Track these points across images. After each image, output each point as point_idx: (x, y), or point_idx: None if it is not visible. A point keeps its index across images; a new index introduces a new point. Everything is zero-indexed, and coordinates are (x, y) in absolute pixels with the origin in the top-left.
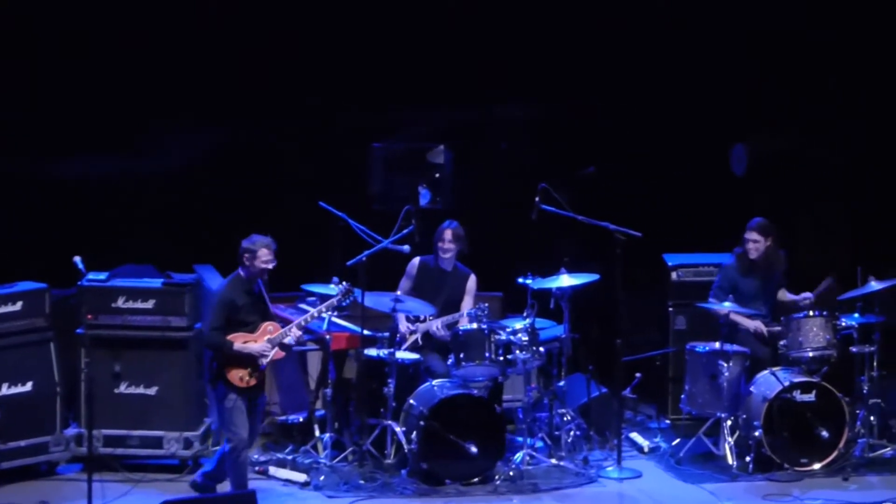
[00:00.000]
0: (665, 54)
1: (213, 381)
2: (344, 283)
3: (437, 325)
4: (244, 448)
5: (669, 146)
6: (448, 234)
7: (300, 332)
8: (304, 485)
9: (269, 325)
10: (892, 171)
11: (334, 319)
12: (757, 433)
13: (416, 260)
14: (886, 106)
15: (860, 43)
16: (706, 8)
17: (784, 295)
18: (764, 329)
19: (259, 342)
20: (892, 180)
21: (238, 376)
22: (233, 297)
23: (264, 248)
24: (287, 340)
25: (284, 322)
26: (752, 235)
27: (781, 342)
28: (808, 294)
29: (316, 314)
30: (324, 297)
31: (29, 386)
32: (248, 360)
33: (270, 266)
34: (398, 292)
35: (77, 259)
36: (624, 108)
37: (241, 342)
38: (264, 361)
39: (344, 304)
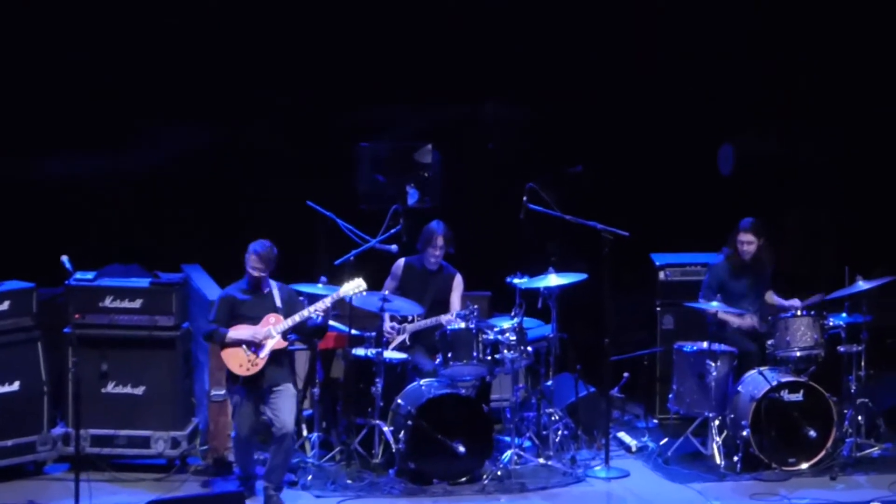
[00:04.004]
0: (653, 54)
1: (226, 376)
2: (357, 278)
3: (406, 337)
4: (241, 440)
5: (657, 146)
6: (440, 240)
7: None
8: (292, 484)
9: (271, 317)
10: (879, 170)
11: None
12: (745, 433)
13: (402, 261)
14: (873, 105)
15: (847, 45)
16: (695, 7)
17: (771, 298)
18: (756, 322)
19: (257, 328)
20: (880, 179)
21: (237, 364)
22: (233, 293)
23: (253, 255)
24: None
25: None
26: (746, 237)
27: (769, 342)
28: (796, 301)
29: (322, 306)
30: (312, 298)
31: (16, 385)
32: (247, 346)
33: (256, 273)
34: (385, 293)
35: (64, 258)
36: (612, 107)
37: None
38: (261, 348)
39: (351, 294)
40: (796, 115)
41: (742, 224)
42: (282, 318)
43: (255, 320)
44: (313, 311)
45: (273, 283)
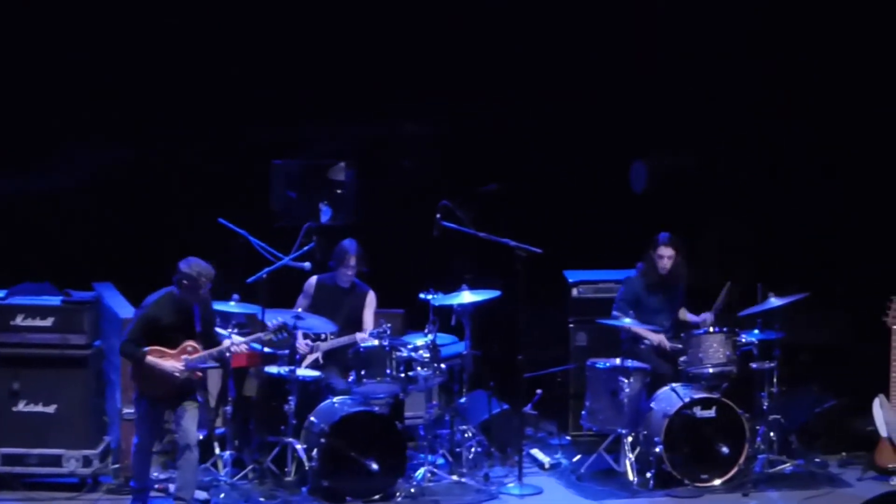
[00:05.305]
0: (565, 72)
1: (132, 384)
2: (279, 318)
3: (319, 355)
4: (143, 451)
5: (570, 163)
6: (353, 259)
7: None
8: (204, 503)
9: (188, 346)
10: (791, 187)
11: (235, 337)
12: (657, 449)
13: (314, 279)
14: (786, 122)
15: (758, 62)
16: (605, 26)
17: (684, 315)
18: (667, 343)
19: (175, 361)
20: (792, 196)
21: (150, 387)
22: (157, 315)
23: (205, 279)
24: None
25: None
26: (665, 251)
27: (682, 358)
28: (707, 315)
29: (245, 347)
30: (224, 315)
31: None
32: (161, 374)
33: (204, 293)
34: (298, 310)
35: None
36: (525, 125)
37: (157, 356)
38: (177, 380)
39: (275, 339)
40: (708, 130)
41: (660, 238)
42: (199, 348)
43: (173, 342)
44: (230, 348)
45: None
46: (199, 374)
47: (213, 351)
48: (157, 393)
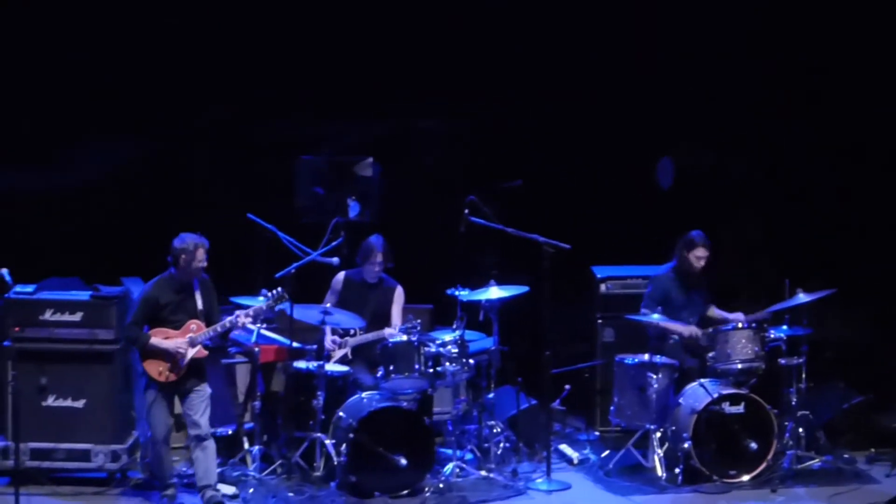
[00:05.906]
0: (591, 67)
1: (143, 374)
2: (279, 288)
3: (347, 351)
4: (158, 442)
5: (597, 159)
6: (379, 255)
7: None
8: (233, 497)
9: (192, 324)
10: (818, 182)
11: (263, 332)
12: (686, 445)
13: (341, 275)
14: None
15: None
16: (628, 22)
17: (713, 311)
18: (699, 331)
19: (179, 339)
20: (820, 192)
21: (157, 370)
22: (157, 295)
23: (201, 249)
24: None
25: None
26: (704, 251)
27: (710, 354)
28: (740, 315)
29: (249, 320)
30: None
31: None
32: (167, 356)
33: (204, 265)
34: (327, 305)
35: (4, 271)
36: (551, 120)
37: (161, 338)
38: (183, 358)
39: (276, 308)
40: (732, 125)
41: (697, 238)
42: (203, 325)
43: (176, 324)
44: (234, 321)
45: (196, 282)
46: (205, 351)
47: (218, 326)
48: (164, 377)
